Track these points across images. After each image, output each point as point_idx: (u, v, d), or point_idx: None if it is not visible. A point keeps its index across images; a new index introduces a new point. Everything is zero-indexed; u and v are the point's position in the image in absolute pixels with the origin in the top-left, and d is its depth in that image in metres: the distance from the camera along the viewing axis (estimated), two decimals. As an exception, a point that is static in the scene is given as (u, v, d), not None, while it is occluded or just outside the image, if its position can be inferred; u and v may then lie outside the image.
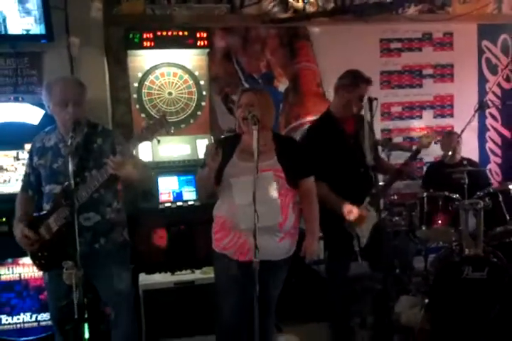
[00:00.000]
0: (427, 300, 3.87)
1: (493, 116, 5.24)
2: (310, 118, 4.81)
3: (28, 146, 3.18)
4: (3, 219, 3.48)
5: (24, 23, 3.68)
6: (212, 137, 4.29)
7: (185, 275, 3.76)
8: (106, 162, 2.65)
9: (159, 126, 2.58)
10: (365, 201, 3.36)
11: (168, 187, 3.99)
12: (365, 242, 3.31)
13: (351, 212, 3.20)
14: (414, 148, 3.79)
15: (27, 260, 3.45)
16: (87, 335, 2.56)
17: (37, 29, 3.70)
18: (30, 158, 3.02)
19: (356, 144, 3.34)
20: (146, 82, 4.35)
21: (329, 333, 3.59)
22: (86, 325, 2.59)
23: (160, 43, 4.20)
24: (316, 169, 3.09)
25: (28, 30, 3.69)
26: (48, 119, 3.21)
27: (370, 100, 3.03)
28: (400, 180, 3.83)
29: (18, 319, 3.67)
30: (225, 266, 2.90)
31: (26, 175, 3.07)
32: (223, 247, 2.90)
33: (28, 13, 3.68)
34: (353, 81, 3.35)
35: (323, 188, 3.22)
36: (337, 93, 3.44)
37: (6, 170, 3.64)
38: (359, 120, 3.35)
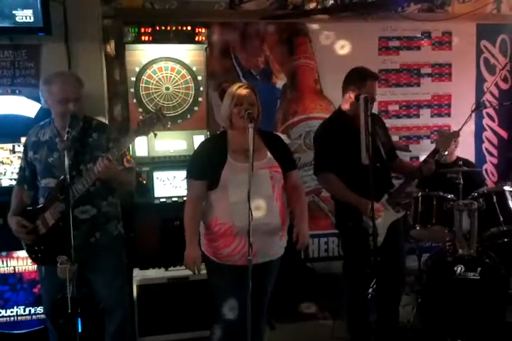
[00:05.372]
0: (419, 299, 3.91)
1: (490, 117, 5.24)
2: (307, 115, 4.83)
3: (24, 139, 3.16)
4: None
5: (22, 15, 3.65)
6: (208, 133, 4.29)
7: (179, 271, 3.75)
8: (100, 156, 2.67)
9: (156, 119, 2.60)
10: (383, 198, 3.34)
11: (163, 182, 3.99)
12: (381, 241, 3.24)
13: (369, 209, 3.03)
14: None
15: (22, 253, 3.45)
16: (80, 330, 2.58)
17: (35, 22, 3.67)
18: (25, 153, 3.03)
19: (371, 141, 3.20)
20: (143, 77, 4.32)
21: (346, 330, 3.58)
22: (79, 320, 2.60)
23: (158, 38, 4.17)
24: (332, 165, 3.19)
25: (26, 23, 3.66)
26: (44, 112, 3.21)
27: (366, 99, 2.94)
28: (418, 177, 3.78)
29: (12, 312, 3.67)
30: (231, 275, 2.82)
31: (21, 169, 3.08)
32: (226, 255, 2.81)
33: (26, 5, 3.65)
34: (360, 78, 3.29)
35: (340, 185, 3.25)
36: (345, 91, 3.36)
37: (2, 162, 3.62)
38: (374, 118, 3.27)
